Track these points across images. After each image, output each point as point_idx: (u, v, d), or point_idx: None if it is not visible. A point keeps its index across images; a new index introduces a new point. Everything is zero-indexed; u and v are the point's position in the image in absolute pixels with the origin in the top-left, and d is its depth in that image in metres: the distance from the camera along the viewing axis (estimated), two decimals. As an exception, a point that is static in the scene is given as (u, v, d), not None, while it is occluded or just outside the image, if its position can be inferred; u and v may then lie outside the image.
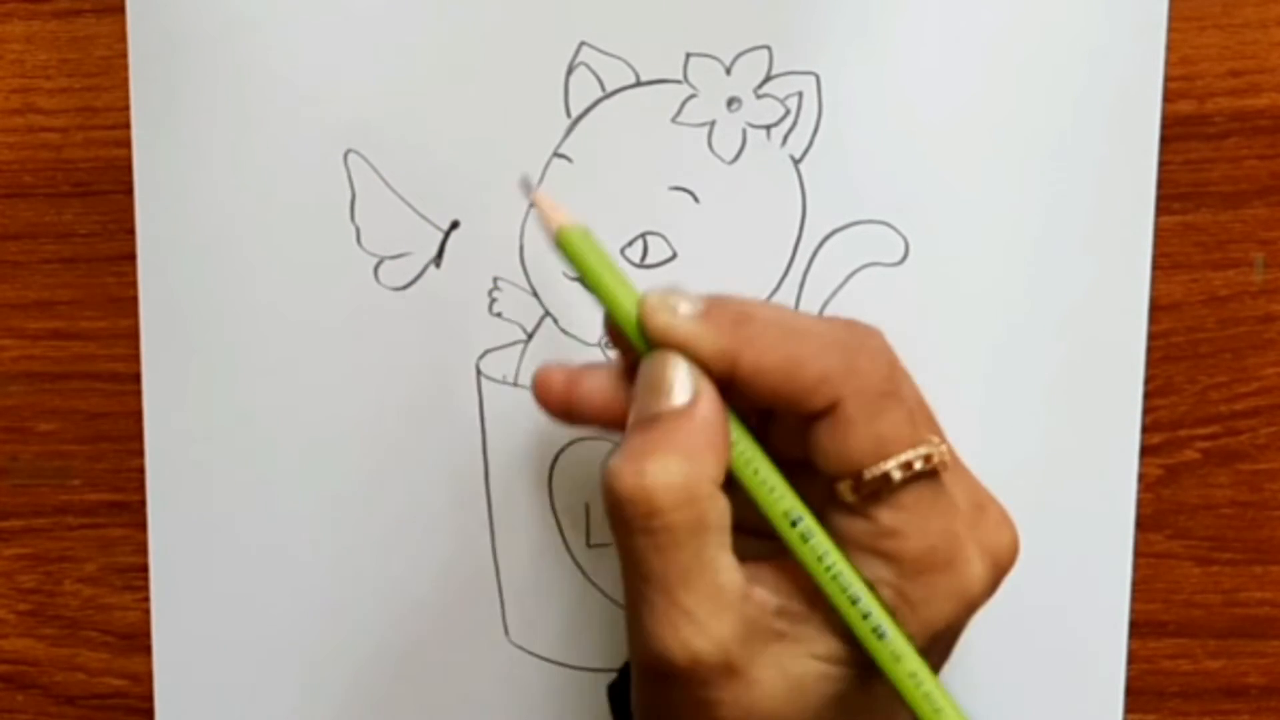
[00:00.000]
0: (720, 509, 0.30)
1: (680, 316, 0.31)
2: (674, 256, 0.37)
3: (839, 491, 0.30)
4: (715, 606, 0.29)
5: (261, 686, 0.40)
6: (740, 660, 0.30)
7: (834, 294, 0.38)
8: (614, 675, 0.38)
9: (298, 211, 0.38)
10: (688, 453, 0.30)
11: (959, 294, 0.38)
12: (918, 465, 0.29)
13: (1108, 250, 0.37)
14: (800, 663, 0.30)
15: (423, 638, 0.40)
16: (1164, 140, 0.37)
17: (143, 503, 0.40)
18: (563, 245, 0.31)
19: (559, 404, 0.33)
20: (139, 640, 0.41)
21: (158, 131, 0.38)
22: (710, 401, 0.30)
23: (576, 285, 0.38)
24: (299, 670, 0.40)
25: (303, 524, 0.39)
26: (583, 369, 0.33)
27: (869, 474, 0.29)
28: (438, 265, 0.38)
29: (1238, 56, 0.37)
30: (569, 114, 0.37)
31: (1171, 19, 0.36)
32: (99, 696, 0.41)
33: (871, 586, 0.30)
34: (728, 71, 0.37)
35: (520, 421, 0.38)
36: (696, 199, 0.37)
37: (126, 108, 0.38)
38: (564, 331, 0.38)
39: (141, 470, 0.40)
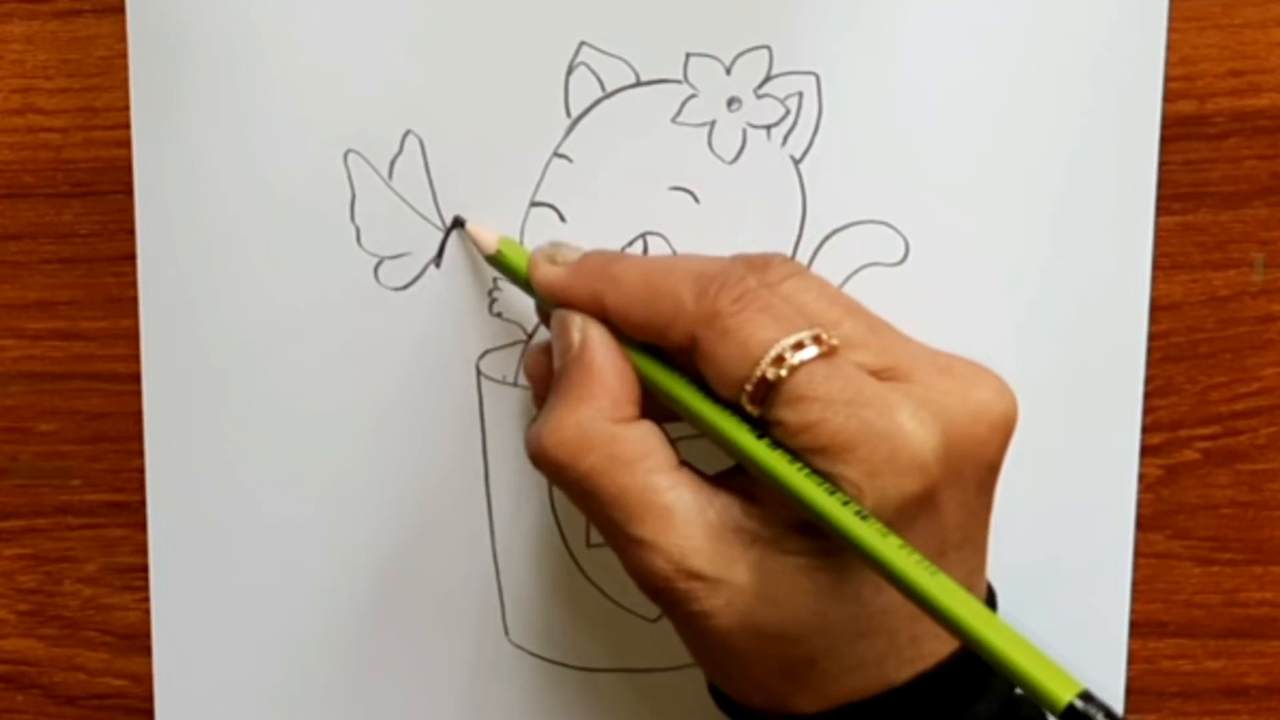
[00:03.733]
0: (634, 438, 0.31)
1: (554, 268, 0.33)
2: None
3: (748, 411, 0.30)
4: (664, 526, 0.30)
5: (261, 687, 0.40)
6: (713, 569, 0.30)
7: (834, 294, 0.38)
8: (595, 674, 0.39)
9: (298, 211, 0.38)
10: (575, 401, 0.31)
11: (959, 294, 0.38)
12: (791, 357, 0.29)
13: (1108, 250, 0.37)
14: (776, 559, 0.30)
15: (423, 638, 0.40)
16: (1164, 140, 0.37)
17: (143, 503, 0.40)
18: (501, 259, 0.36)
19: (543, 385, 0.34)
20: (139, 640, 0.41)
21: (158, 132, 0.38)
22: (595, 344, 0.32)
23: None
24: (299, 670, 0.40)
25: (302, 524, 0.39)
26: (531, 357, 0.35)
27: (749, 384, 0.30)
28: (438, 265, 0.38)
29: (1238, 57, 0.37)
30: (569, 114, 0.37)
31: (1171, 19, 0.36)
32: (99, 697, 0.41)
33: (817, 479, 0.29)
34: (728, 71, 0.37)
35: (520, 421, 0.38)
36: (696, 199, 0.37)
37: (126, 108, 0.38)
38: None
39: (141, 470, 0.39)
